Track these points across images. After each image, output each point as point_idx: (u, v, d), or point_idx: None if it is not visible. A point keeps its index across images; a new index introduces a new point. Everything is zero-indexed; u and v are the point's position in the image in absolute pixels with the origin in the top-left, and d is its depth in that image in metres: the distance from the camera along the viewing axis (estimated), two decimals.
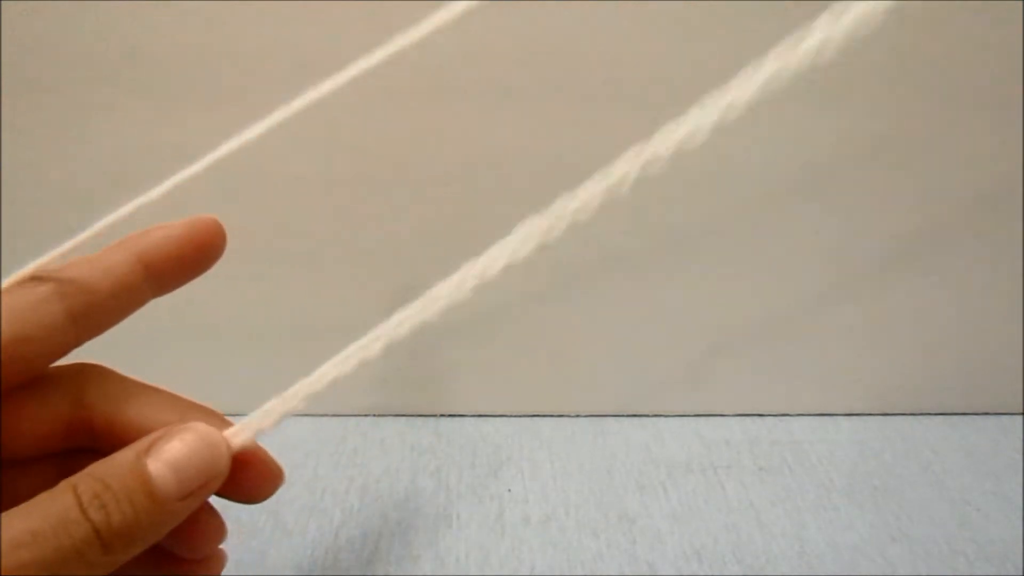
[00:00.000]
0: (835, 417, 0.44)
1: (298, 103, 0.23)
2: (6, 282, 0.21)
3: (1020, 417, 0.44)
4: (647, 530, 0.37)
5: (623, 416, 0.44)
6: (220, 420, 0.23)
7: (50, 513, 0.18)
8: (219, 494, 0.23)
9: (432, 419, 0.44)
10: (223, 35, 0.34)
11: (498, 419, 0.44)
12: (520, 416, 0.44)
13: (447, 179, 0.37)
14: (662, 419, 0.44)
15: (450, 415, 0.44)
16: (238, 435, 0.22)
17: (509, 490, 0.39)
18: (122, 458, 0.20)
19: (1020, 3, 0.34)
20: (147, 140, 0.36)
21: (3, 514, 0.18)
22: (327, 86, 0.23)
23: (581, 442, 0.42)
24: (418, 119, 0.36)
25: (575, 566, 0.35)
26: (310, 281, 0.40)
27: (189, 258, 0.24)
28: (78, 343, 0.22)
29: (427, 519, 0.37)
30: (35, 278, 0.21)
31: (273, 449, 0.24)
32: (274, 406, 0.22)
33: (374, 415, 0.44)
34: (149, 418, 0.23)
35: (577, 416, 0.44)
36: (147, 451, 0.20)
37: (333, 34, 0.34)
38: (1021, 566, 0.35)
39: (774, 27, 0.34)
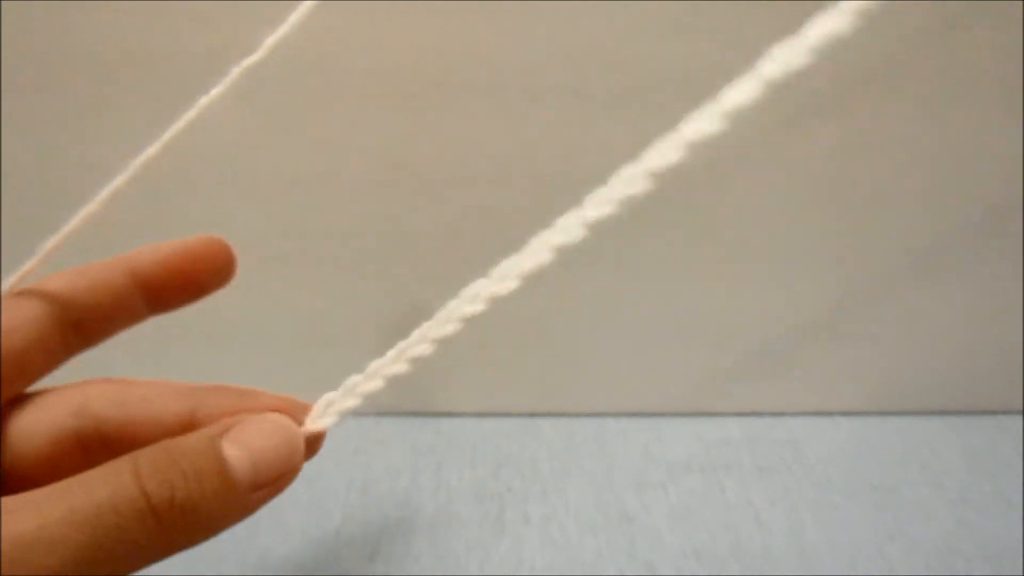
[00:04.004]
0: (834, 417, 0.45)
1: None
2: None
3: (1020, 417, 0.44)
4: (646, 529, 0.37)
5: (623, 416, 0.44)
6: (239, 394, 0.22)
7: (97, 485, 0.16)
8: None
9: (432, 419, 0.44)
10: (223, 35, 0.34)
11: (498, 419, 0.44)
12: (520, 416, 0.44)
13: (454, 180, 0.37)
14: (662, 419, 0.44)
15: (450, 415, 0.44)
16: (313, 424, 0.20)
17: (509, 490, 0.39)
18: (193, 439, 0.18)
19: (1020, 3, 0.34)
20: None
21: (37, 491, 0.16)
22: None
23: (581, 442, 0.42)
24: (424, 120, 0.36)
25: (575, 565, 0.35)
26: (315, 283, 0.40)
27: (184, 272, 0.23)
28: (67, 356, 0.22)
29: (427, 519, 0.37)
30: (22, 292, 0.21)
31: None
32: (346, 391, 0.21)
33: (375, 415, 0.44)
34: (162, 412, 0.21)
35: (577, 416, 0.44)
36: (221, 435, 0.18)
37: (333, 34, 0.34)
38: (1020, 566, 0.35)
39: (775, 27, 0.34)
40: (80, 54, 0.34)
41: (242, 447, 0.18)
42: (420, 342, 0.21)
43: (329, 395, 0.20)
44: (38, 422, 0.21)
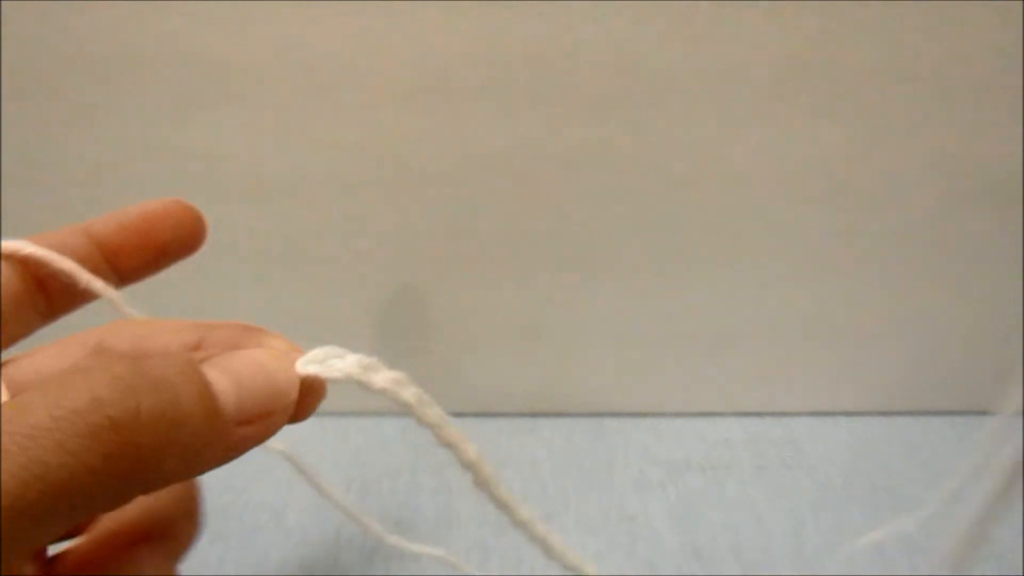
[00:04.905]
0: (834, 416, 0.45)
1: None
2: None
3: (1020, 417, 0.44)
4: (647, 529, 0.37)
5: (623, 416, 0.44)
6: (243, 331, 0.20)
7: (32, 403, 0.13)
8: None
9: None
10: (223, 35, 0.34)
11: (498, 419, 0.44)
12: (520, 416, 0.44)
13: (453, 180, 0.37)
14: (662, 419, 0.44)
15: (450, 415, 0.44)
16: (308, 366, 0.18)
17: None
18: (168, 355, 0.16)
19: (1020, 3, 0.34)
20: (147, 140, 0.36)
21: None
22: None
23: (581, 442, 0.42)
24: (424, 120, 0.36)
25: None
26: (314, 282, 0.40)
27: (141, 234, 0.21)
28: (40, 321, 0.21)
29: (427, 519, 0.37)
30: None
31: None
32: (363, 367, 0.19)
33: (376, 414, 0.44)
34: (170, 343, 0.19)
35: (577, 416, 0.44)
36: (201, 359, 0.16)
37: (333, 35, 0.34)
38: (1020, 566, 0.35)
39: (775, 27, 0.34)
40: (80, 54, 0.34)
41: (224, 371, 0.16)
42: (431, 413, 0.20)
43: (329, 349, 0.19)
44: (56, 365, 0.20)
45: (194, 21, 0.34)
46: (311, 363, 0.18)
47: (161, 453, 0.14)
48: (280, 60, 0.35)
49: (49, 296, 0.21)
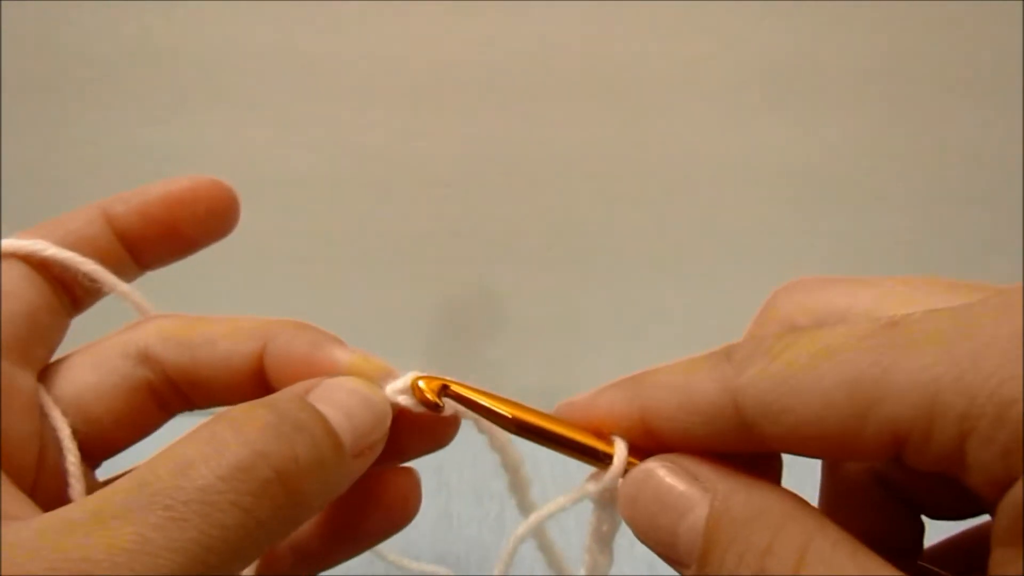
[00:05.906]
0: None
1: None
2: None
3: None
4: None
5: None
6: (311, 342, 0.19)
7: (192, 466, 0.13)
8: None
9: None
10: (223, 35, 0.34)
11: None
12: None
13: (453, 180, 0.38)
14: None
15: None
16: (399, 396, 0.18)
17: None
18: (286, 398, 0.16)
19: (1020, 3, 0.34)
20: (147, 140, 0.36)
21: (111, 492, 0.13)
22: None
23: None
24: (416, 119, 0.36)
25: (575, 565, 0.35)
26: (309, 280, 0.40)
27: (164, 222, 0.20)
28: (68, 316, 0.20)
29: (427, 519, 0.37)
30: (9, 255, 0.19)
31: None
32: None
33: None
34: (230, 353, 0.18)
35: None
36: (305, 394, 0.16)
37: (332, 34, 0.34)
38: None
39: (775, 27, 0.34)
40: (80, 54, 0.34)
41: (336, 408, 0.16)
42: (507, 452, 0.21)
43: (416, 374, 0.18)
44: (102, 379, 0.19)
45: (194, 21, 0.34)
46: (401, 393, 0.18)
47: (311, 495, 0.15)
48: (279, 60, 0.35)
49: (74, 297, 0.20)
